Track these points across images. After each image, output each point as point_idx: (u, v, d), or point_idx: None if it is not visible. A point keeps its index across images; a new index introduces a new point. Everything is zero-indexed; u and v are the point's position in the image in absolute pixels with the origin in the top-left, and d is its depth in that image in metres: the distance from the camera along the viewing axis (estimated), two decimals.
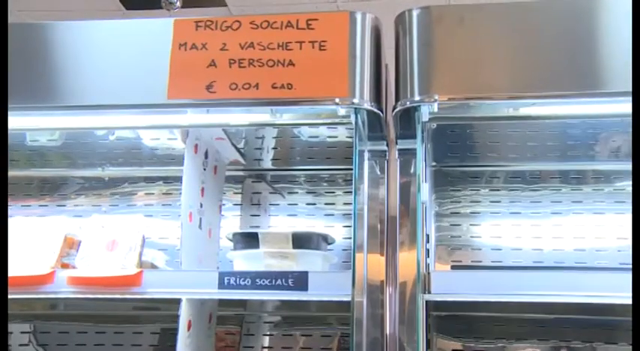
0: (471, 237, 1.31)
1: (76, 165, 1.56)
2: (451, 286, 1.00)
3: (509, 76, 0.95)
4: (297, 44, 0.95)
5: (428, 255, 1.31)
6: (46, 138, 1.41)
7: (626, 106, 0.91)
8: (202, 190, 1.32)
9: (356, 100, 0.95)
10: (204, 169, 1.33)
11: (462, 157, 1.32)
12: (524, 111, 0.97)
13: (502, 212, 1.32)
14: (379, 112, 0.98)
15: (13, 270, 1.19)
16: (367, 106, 0.96)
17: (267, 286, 1.05)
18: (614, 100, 0.95)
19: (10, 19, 0.96)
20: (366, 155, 1.08)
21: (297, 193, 1.46)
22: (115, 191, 1.55)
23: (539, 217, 1.29)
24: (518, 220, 1.30)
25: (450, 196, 1.35)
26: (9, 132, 1.01)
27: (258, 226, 1.50)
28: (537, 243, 1.27)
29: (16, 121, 1.11)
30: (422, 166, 0.96)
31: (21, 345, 1.49)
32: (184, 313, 1.10)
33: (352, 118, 0.97)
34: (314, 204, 1.42)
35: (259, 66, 0.95)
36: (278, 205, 1.49)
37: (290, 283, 1.04)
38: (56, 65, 1.09)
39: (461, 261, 1.28)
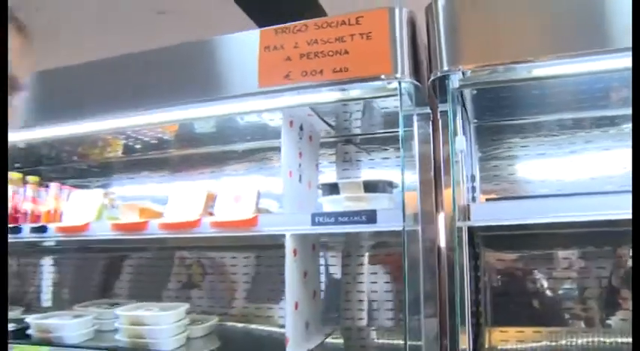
0: (508, 174, 1.57)
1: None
2: (485, 214, 1.27)
3: (519, 45, 1.18)
4: (350, 37, 1.27)
5: (474, 190, 1.58)
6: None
7: (626, 61, 1.10)
8: (300, 154, 1.69)
9: (398, 75, 1.24)
10: (300, 139, 1.70)
11: (498, 114, 1.58)
12: (536, 72, 1.20)
13: (530, 154, 1.56)
14: (417, 82, 1.26)
15: (175, 218, 1.66)
16: (407, 78, 1.25)
17: (346, 222, 1.40)
18: (617, 56, 1.13)
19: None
20: (415, 118, 1.36)
21: (375, 151, 1.81)
22: (248, 158, 2.05)
23: (560, 155, 1.51)
24: (543, 159, 1.54)
25: (490, 145, 1.61)
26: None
27: (348, 177, 1.87)
28: (559, 176, 1.50)
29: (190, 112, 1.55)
30: (453, 123, 1.23)
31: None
32: (289, 244, 1.48)
33: (397, 90, 1.27)
34: (388, 158, 1.74)
35: (322, 56, 1.28)
36: (361, 161, 1.86)
37: (363, 218, 1.38)
38: (209, 69, 1.49)
39: (500, 193, 1.55)
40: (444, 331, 1.26)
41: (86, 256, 2.36)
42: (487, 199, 1.58)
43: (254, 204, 1.59)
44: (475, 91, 1.36)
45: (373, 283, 1.84)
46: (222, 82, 1.45)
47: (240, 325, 1.98)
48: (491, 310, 1.67)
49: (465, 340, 1.23)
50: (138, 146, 2.18)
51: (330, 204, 1.50)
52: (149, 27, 3.60)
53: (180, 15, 3.58)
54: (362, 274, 1.87)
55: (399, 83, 1.26)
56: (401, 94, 1.27)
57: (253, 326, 1.97)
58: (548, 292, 1.58)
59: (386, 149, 1.77)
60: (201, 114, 1.62)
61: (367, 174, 1.86)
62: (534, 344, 1.59)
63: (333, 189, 1.48)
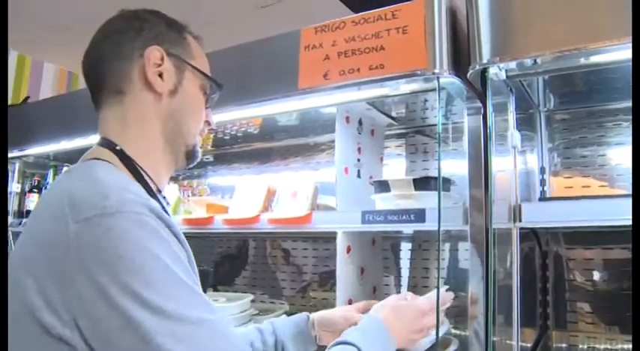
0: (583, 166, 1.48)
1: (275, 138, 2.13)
2: (538, 216, 1.18)
3: (556, 34, 1.07)
4: (386, 32, 1.22)
5: (544, 184, 1.47)
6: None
7: None
8: (359, 149, 1.67)
9: (436, 70, 1.18)
10: (360, 133, 1.68)
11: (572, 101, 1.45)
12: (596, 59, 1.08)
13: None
14: (456, 77, 1.19)
15: (237, 213, 1.73)
16: (445, 73, 1.18)
17: (395, 221, 1.37)
18: None
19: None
20: (465, 112, 1.28)
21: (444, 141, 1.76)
22: (305, 154, 2.06)
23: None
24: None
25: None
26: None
27: (413, 170, 1.82)
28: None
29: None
30: (491, 116, 1.16)
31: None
32: (341, 241, 1.48)
33: (436, 85, 1.20)
34: (456, 149, 1.66)
35: (359, 54, 1.24)
36: (427, 152, 1.81)
37: (412, 217, 1.35)
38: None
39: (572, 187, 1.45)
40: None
41: None
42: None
43: (311, 199, 1.60)
44: (546, 77, 1.26)
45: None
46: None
47: None
48: (557, 312, 1.56)
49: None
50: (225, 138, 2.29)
51: (382, 201, 1.47)
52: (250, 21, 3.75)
53: (279, 8, 3.67)
54: (428, 268, 1.82)
55: (437, 79, 1.20)
56: (439, 90, 1.21)
57: None
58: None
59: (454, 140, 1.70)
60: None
61: (432, 164, 1.82)
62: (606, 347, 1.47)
63: (383, 186, 1.45)
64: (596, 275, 1.53)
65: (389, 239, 1.87)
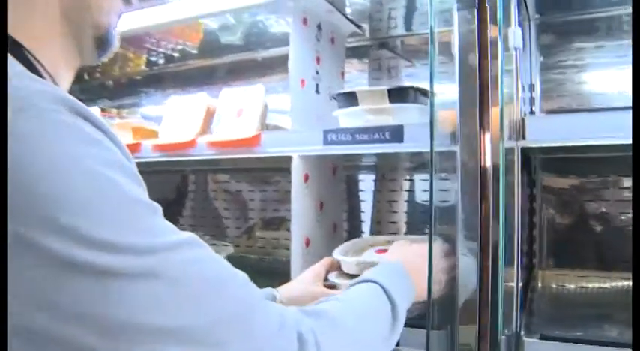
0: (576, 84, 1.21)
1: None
2: (546, 132, 0.95)
3: None
4: None
5: (533, 103, 1.23)
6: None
7: None
8: (318, 59, 1.38)
9: None
10: (318, 40, 1.38)
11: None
12: None
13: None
14: None
15: (168, 138, 1.42)
16: None
17: (366, 141, 1.11)
18: None
19: None
20: (455, 8, 1.00)
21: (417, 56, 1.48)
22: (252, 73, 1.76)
23: None
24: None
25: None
26: None
27: None
28: None
29: None
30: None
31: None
32: (297, 168, 1.21)
33: None
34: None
35: None
36: (397, 68, 1.53)
37: (387, 136, 1.08)
38: None
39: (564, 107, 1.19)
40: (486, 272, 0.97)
41: None
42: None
43: (259, 119, 1.31)
44: None
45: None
46: None
47: (253, 256, 1.79)
48: (548, 249, 1.37)
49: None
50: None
51: (347, 118, 1.20)
52: None
53: None
54: (396, 202, 1.59)
55: None
56: None
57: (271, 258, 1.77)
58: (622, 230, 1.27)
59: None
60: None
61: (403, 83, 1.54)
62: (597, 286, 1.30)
63: (350, 99, 1.18)
64: (589, 208, 1.34)
65: (349, 170, 1.62)
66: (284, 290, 1.02)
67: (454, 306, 0.95)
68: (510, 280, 0.95)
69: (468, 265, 0.95)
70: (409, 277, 0.87)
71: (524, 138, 0.96)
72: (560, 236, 1.34)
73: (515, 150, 0.98)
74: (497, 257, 0.91)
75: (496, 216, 0.93)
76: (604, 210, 1.32)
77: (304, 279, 1.07)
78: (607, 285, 1.27)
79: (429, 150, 1.04)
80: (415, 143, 1.06)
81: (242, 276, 0.58)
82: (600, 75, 1.33)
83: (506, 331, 0.91)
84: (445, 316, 0.96)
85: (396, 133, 1.07)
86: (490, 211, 0.96)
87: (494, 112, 0.97)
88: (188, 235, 0.53)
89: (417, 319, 0.91)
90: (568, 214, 1.36)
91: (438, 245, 1.01)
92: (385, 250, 1.12)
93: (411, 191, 1.57)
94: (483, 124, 0.99)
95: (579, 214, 1.35)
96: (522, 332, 0.94)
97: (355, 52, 1.65)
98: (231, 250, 1.77)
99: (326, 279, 1.09)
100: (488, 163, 0.98)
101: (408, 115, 1.12)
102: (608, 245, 1.30)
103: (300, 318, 0.62)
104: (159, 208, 0.53)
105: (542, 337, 0.92)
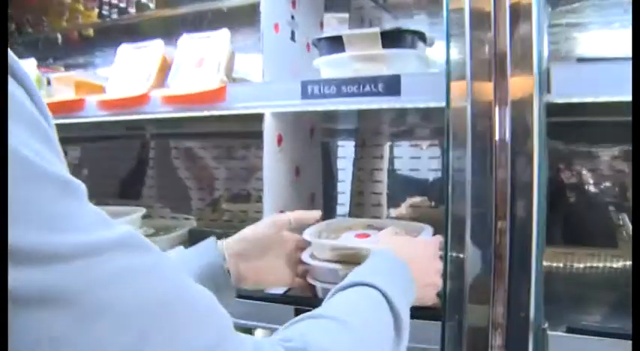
0: None
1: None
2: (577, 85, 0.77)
3: None
4: None
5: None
6: None
7: None
8: (294, 2, 1.17)
9: None
10: None
11: None
12: None
13: None
14: None
15: (116, 93, 1.21)
16: None
17: (354, 94, 0.92)
18: None
19: None
20: None
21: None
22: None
23: None
24: None
25: None
26: None
27: None
28: None
29: None
30: None
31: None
32: (270, 127, 1.02)
33: None
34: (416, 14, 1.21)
35: None
36: (380, 19, 1.34)
37: (380, 88, 0.90)
38: None
39: None
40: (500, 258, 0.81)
41: None
42: None
43: (225, 69, 1.10)
44: None
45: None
46: None
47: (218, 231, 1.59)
48: (553, 224, 1.21)
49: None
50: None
51: (332, 68, 1.00)
52: None
53: None
54: (380, 170, 1.41)
55: None
56: None
57: None
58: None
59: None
60: None
61: None
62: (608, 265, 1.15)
63: (334, 44, 0.98)
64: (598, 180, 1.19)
65: (326, 134, 1.42)
66: (236, 246, 0.83)
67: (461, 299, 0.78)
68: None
69: (476, 251, 0.78)
70: (412, 280, 0.70)
71: (549, 91, 0.79)
72: (568, 210, 1.19)
73: (535, 106, 0.80)
74: (522, 238, 0.74)
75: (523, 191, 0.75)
76: (614, 182, 1.17)
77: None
78: (619, 264, 1.12)
79: (431, 105, 0.87)
80: (415, 97, 0.88)
81: (207, 298, 0.40)
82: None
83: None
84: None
85: (392, 85, 0.89)
86: (508, 184, 0.78)
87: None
88: (124, 230, 0.34)
89: None
90: (576, 187, 1.20)
91: (436, 238, 0.84)
92: (366, 236, 0.94)
93: (399, 158, 1.39)
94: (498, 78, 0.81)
95: (586, 186, 1.20)
96: (546, 325, 0.77)
97: (335, 2, 1.44)
98: (193, 224, 1.58)
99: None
100: (507, 125, 0.80)
101: (405, 63, 0.94)
102: (621, 220, 1.15)
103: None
104: (81, 187, 0.34)
105: (569, 330, 0.76)
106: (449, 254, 0.76)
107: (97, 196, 1.69)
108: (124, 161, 1.81)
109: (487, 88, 0.81)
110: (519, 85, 0.80)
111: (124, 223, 0.36)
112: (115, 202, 1.61)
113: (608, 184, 1.19)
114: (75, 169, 1.88)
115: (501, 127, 0.81)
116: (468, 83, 0.82)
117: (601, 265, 1.14)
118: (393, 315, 0.60)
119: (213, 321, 0.39)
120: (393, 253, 0.72)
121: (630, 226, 1.15)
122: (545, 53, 0.82)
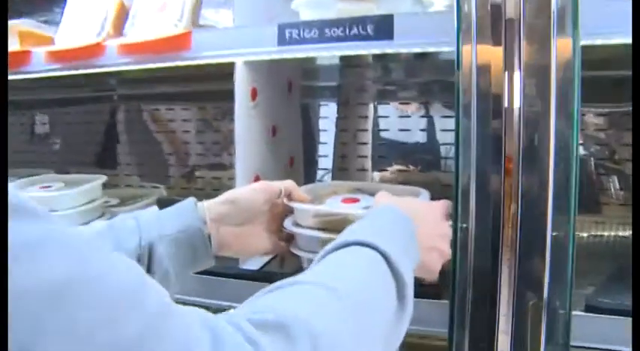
0: None
1: None
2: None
3: None
4: None
5: None
6: None
7: None
8: None
9: None
10: None
11: None
12: None
13: None
14: None
15: (66, 43, 1.06)
16: None
17: (340, 38, 0.79)
18: None
19: None
20: None
21: None
22: None
23: None
24: None
25: None
26: None
27: None
28: None
29: None
30: None
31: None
32: (242, 79, 0.89)
33: None
34: None
35: None
36: None
37: (369, 30, 0.77)
38: None
39: None
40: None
41: None
42: None
43: (189, 14, 0.96)
44: None
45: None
46: None
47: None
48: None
49: None
50: None
51: (312, 9, 0.87)
52: None
53: None
54: (365, 130, 1.30)
55: None
56: None
57: None
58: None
59: None
60: None
61: None
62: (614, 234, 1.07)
63: None
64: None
65: (304, 91, 1.29)
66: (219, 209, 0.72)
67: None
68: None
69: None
70: (415, 238, 0.59)
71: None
72: None
73: (553, 50, 0.68)
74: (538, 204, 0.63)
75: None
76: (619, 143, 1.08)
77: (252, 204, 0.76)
78: (627, 233, 1.03)
79: (429, 49, 0.75)
80: (410, 40, 0.75)
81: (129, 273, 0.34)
82: None
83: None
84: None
85: (384, 27, 0.76)
86: (520, 147, 0.67)
87: None
88: None
89: None
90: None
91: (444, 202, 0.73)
92: (354, 200, 0.83)
93: (385, 117, 1.27)
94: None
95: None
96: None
97: None
98: (162, 193, 1.46)
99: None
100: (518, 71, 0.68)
101: (398, 1, 0.81)
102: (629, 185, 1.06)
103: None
104: None
105: (588, 309, 0.66)
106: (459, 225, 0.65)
107: (63, 163, 1.58)
108: (93, 126, 1.67)
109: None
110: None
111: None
112: (81, 169, 1.47)
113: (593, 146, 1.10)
114: (43, 136, 1.74)
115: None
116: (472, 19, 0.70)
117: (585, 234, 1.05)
118: (395, 278, 0.50)
119: (139, 300, 0.30)
120: (395, 208, 0.61)
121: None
122: None
